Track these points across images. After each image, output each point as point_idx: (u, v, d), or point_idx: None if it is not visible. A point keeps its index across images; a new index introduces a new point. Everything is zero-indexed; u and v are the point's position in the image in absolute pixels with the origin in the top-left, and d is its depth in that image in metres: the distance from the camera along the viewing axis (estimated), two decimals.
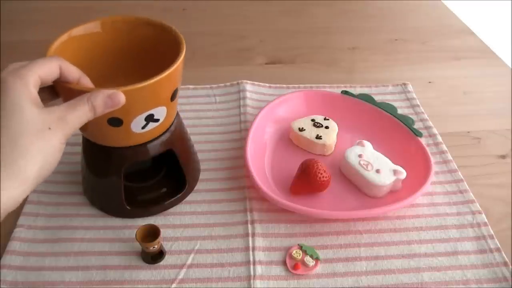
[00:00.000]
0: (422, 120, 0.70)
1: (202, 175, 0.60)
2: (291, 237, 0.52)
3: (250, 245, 0.51)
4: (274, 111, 0.67)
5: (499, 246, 0.51)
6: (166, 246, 0.51)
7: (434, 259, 0.50)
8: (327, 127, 0.63)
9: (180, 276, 0.48)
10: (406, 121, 0.63)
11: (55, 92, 0.42)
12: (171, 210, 0.55)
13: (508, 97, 0.76)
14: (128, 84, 0.41)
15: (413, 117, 0.69)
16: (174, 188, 0.56)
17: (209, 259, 0.50)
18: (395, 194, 0.56)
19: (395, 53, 0.89)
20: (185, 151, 0.56)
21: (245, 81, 0.76)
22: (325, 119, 0.64)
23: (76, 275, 0.48)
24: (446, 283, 0.48)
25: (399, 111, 0.66)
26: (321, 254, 0.51)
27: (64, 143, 0.37)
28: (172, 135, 0.52)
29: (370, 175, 0.55)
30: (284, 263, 0.50)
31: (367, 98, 0.68)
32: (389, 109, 0.66)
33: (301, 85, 0.77)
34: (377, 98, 0.69)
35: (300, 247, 0.51)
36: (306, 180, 0.54)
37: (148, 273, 0.49)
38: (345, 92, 0.69)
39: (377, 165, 0.56)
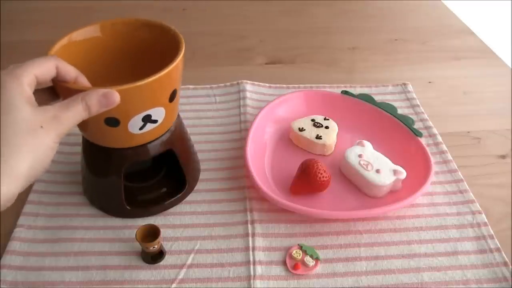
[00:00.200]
0: (422, 120, 0.70)
1: (202, 175, 0.60)
2: (291, 237, 0.52)
3: (250, 245, 0.51)
4: (274, 111, 0.67)
5: (499, 246, 0.51)
6: (166, 246, 0.51)
7: (434, 259, 0.50)
8: (327, 127, 0.63)
9: (180, 276, 0.48)
10: (406, 121, 0.63)
11: (56, 93, 0.42)
12: (171, 210, 0.55)
13: (508, 97, 0.76)
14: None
15: (413, 117, 0.69)
16: (174, 188, 0.56)
17: (209, 259, 0.50)
18: (395, 194, 0.56)
19: (395, 53, 0.89)
20: (185, 151, 0.56)
21: (245, 81, 0.76)
22: (325, 119, 0.64)
23: (76, 275, 0.48)
24: (446, 283, 0.48)
25: (399, 111, 0.66)
26: (321, 254, 0.50)
27: (58, 142, 0.37)
28: (172, 135, 0.52)
29: (370, 175, 0.55)
30: (284, 263, 0.50)
31: (367, 98, 0.68)
32: (389, 109, 0.66)
33: (301, 85, 0.77)
34: (377, 98, 0.69)
35: (300, 247, 0.51)
36: (306, 180, 0.54)
37: (148, 273, 0.49)
38: (345, 92, 0.69)
39: (377, 165, 0.56)
